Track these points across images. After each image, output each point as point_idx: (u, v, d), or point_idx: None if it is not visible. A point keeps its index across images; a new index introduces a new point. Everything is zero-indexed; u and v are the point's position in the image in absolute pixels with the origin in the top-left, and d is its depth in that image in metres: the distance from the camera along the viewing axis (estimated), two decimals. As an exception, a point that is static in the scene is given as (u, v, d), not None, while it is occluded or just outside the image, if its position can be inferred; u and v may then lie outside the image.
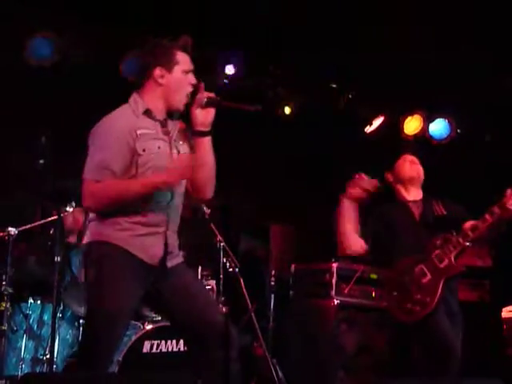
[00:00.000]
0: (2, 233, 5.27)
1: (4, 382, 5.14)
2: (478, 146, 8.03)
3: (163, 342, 5.43)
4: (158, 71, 4.02)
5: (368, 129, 7.93)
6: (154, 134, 3.98)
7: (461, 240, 4.99)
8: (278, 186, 7.85)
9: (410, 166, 5.38)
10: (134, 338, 5.38)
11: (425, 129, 7.96)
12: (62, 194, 5.33)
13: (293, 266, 7.07)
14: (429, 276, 5.06)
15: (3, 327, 5.12)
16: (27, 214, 5.63)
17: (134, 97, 4.09)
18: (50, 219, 5.49)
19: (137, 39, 6.60)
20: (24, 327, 5.55)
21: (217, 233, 6.05)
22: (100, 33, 6.64)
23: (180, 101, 4.04)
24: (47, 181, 5.17)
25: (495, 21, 6.31)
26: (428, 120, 7.97)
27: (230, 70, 7.20)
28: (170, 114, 4.10)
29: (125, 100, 6.73)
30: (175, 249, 4.08)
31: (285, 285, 6.97)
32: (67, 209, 5.45)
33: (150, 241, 3.94)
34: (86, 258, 4.02)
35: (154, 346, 5.42)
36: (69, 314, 5.73)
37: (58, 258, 5.11)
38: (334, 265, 6.80)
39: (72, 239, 6.13)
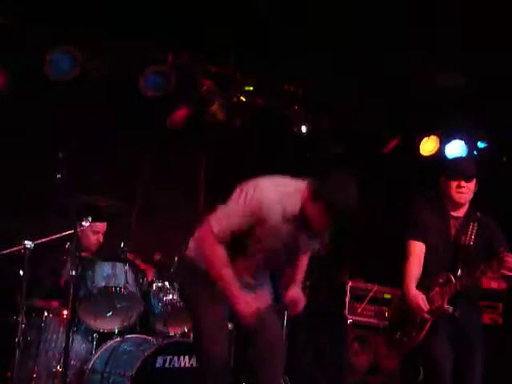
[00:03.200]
0: (18, 246, 5.31)
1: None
2: (495, 166, 8.01)
3: (176, 357, 5.44)
4: (307, 192, 4.14)
5: (385, 148, 7.94)
6: (284, 233, 4.20)
7: (457, 285, 5.06)
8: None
9: (456, 193, 5.34)
10: (147, 353, 5.40)
11: (441, 150, 7.95)
12: (78, 208, 5.37)
13: (307, 283, 7.08)
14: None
15: (17, 340, 5.14)
16: (43, 228, 5.66)
17: (295, 192, 4.19)
18: (66, 233, 5.52)
19: (155, 53, 6.72)
20: (38, 340, 5.58)
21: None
22: (119, 47, 6.67)
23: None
24: (64, 195, 5.21)
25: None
26: (444, 141, 7.96)
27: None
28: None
29: (142, 115, 6.85)
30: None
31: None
32: (83, 223, 5.48)
33: None
34: (181, 266, 4.72)
35: (167, 362, 5.43)
36: (83, 327, 5.74)
37: (73, 272, 5.15)
38: (349, 283, 6.81)
39: (87, 253, 6.18)
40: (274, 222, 4.13)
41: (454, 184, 5.23)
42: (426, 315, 5.04)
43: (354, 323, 6.71)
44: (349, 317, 6.70)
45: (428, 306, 5.07)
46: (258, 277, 4.39)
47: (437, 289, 5.09)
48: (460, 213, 5.33)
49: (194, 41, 6.66)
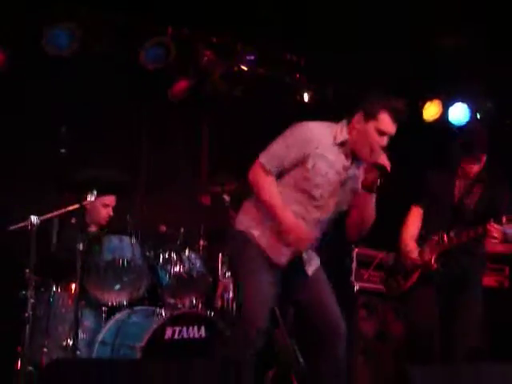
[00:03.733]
0: (24, 222, 5.32)
1: (30, 368, 5.21)
2: (499, 130, 7.98)
3: (184, 328, 5.48)
4: (357, 116, 4.26)
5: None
6: (332, 162, 4.24)
7: (447, 243, 5.34)
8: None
9: (471, 166, 5.46)
10: (155, 324, 5.44)
11: (444, 114, 7.92)
12: (83, 183, 5.38)
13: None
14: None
15: (27, 314, 5.17)
16: (49, 203, 5.68)
17: (343, 125, 4.32)
18: (71, 208, 5.53)
19: (155, 26, 6.70)
20: (47, 314, 5.62)
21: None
22: (119, 22, 6.65)
23: (362, 152, 4.27)
24: (69, 170, 5.22)
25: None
26: (447, 105, 7.93)
27: (250, 56, 7.25)
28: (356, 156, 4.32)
29: (143, 89, 6.83)
30: (312, 257, 4.50)
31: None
32: (89, 198, 5.49)
33: (281, 247, 4.31)
34: (232, 242, 4.49)
35: (176, 333, 5.47)
36: (91, 301, 5.77)
37: (80, 246, 5.17)
38: (355, 250, 6.83)
39: (93, 228, 6.20)
40: (322, 149, 4.21)
41: (470, 160, 5.39)
42: (414, 263, 5.26)
43: (360, 290, 6.74)
44: (355, 283, 6.72)
45: (418, 258, 5.30)
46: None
47: (429, 245, 5.31)
48: (469, 175, 5.45)
49: (194, 12, 6.63)
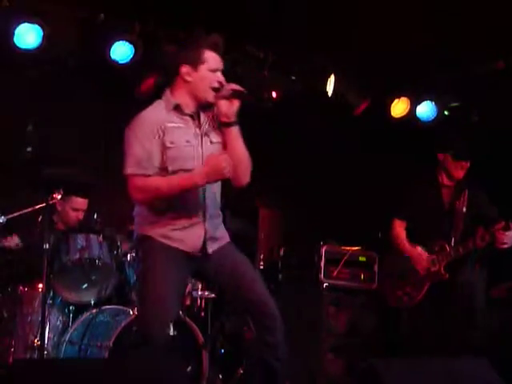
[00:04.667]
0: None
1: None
2: (465, 127, 8.05)
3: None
4: (184, 69, 4.20)
5: (356, 110, 7.93)
6: (184, 129, 4.21)
7: (452, 253, 5.36)
8: (267, 169, 7.87)
9: (458, 171, 5.55)
10: (123, 323, 5.42)
11: (412, 111, 7.96)
12: (50, 181, 5.35)
13: (281, 250, 7.11)
14: (421, 275, 5.60)
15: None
16: (15, 202, 5.64)
17: (166, 93, 4.30)
18: (37, 207, 5.50)
19: (122, 24, 6.66)
20: (14, 314, 5.57)
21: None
22: (87, 19, 6.60)
23: (204, 93, 4.21)
24: (35, 169, 5.17)
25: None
26: (415, 102, 7.97)
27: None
28: (203, 105, 4.27)
29: (109, 85, 6.79)
30: (216, 233, 4.31)
31: (274, 268, 7.00)
32: (55, 196, 5.45)
33: (189, 232, 4.20)
34: (136, 252, 4.44)
35: (144, 331, 5.45)
36: (58, 300, 5.75)
37: (46, 246, 5.13)
38: (323, 248, 6.84)
39: (61, 226, 6.16)
40: (168, 123, 4.14)
41: (459, 164, 5.45)
42: (425, 272, 5.34)
43: (329, 287, 6.75)
44: (324, 280, 6.73)
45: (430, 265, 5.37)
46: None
47: (434, 255, 5.35)
48: (453, 182, 5.52)
49: (161, 8, 6.60)
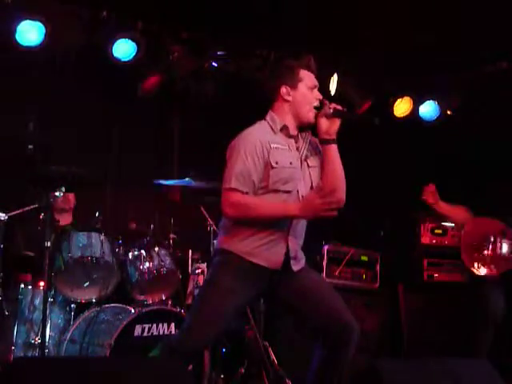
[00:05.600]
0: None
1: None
2: (468, 126, 8.03)
3: (154, 325, 5.46)
4: (283, 89, 4.30)
5: (358, 110, 7.92)
6: (287, 150, 4.27)
7: None
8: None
9: None
10: (125, 322, 5.41)
11: (415, 111, 7.96)
12: (51, 179, 5.34)
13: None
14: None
15: (-6, 312, 5.14)
16: (17, 200, 5.63)
17: (271, 114, 4.36)
18: (39, 205, 5.49)
19: (125, 21, 6.65)
20: (15, 312, 5.57)
21: (207, 216, 6.08)
22: (89, 16, 6.59)
23: (307, 113, 4.31)
24: (36, 166, 5.17)
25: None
26: (418, 102, 7.96)
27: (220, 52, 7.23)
28: (304, 126, 4.36)
29: (112, 83, 6.78)
30: (298, 253, 4.31)
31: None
32: (57, 194, 5.45)
33: (272, 248, 4.20)
34: (212, 261, 4.35)
35: (146, 330, 5.45)
36: (60, 298, 5.75)
37: (48, 243, 5.13)
38: (325, 247, 6.84)
39: (64, 221, 6.15)
40: (273, 143, 4.20)
41: None
42: None
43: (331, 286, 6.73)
44: (326, 280, 6.72)
45: None
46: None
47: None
48: None
49: (164, 7, 6.59)
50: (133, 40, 6.60)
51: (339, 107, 4.31)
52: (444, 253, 7.23)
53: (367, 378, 4.04)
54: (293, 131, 4.32)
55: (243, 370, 5.82)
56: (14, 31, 6.20)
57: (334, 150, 4.33)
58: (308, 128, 4.39)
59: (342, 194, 4.34)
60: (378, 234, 7.53)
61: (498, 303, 5.73)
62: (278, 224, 4.19)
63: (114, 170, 7.06)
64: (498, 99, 7.40)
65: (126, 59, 6.63)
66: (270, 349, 5.81)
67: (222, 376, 5.86)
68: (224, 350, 6.16)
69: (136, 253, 5.92)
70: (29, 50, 6.32)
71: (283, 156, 4.22)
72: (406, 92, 7.94)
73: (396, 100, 7.95)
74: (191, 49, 7.04)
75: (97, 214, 6.00)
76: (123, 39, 6.59)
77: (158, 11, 6.66)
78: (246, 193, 4.14)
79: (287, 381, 5.54)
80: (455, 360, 4.39)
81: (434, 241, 7.30)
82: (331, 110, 4.29)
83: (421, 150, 7.91)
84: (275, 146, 4.21)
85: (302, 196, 4.24)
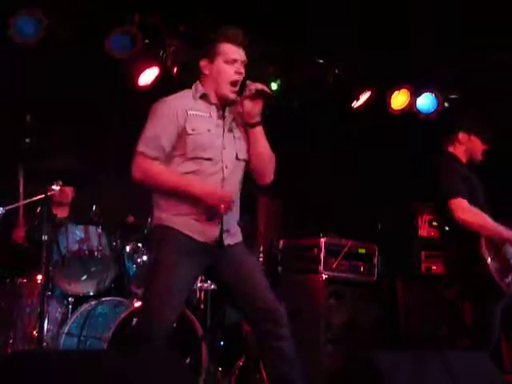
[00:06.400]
0: (-12, 212, 5.27)
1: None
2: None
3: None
4: (202, 62, 4.28)
5: (355, 104, 7.92)
6: (207, 117, 4.23)
7: None
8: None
9: (481, 155, 5.51)
10: (122, 315, 5.41)
11: (412, 103, 7.95)
12: (48, 172, 5.33)
13: (281, 242, 7.10)
14: None
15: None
16: (14, 194, 5.62)
17: (196, 84, 4.33)
18: (36, 198, 5.48)
19: (125, 15, 6.64)
20: (13, 305, 5.57)
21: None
22: (85, 9, 6.58)
23: (224, 88, 4.25)
24: (33, 160, 5.16)
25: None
26: (415, 94, 7.96)
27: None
28: (225, 100, 4.28)
29: (108, 76, 6.77)
30: (233, 228, 4.30)
31: (273, 260, 7.00)
32: (54, 187, 5.44)
33: (207, 224, 4.18)
34: (150, 240, 4.44)
35: (143, 323, 5.44)
36: (57, 292, 5.75)
37: (45, 237, 5.12)
38: (322, 240, 6.83)
39: (61, 213, 6.15)
40: (191, 110, 4.17)
41: (484, 147, 5.40)
42: None
43: (329, 279, 6.74)
44: (324, 272, 6.72)
45: None
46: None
47: None
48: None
49: (161, 0, 6.58)
50: (130, 33, 6.58)
51: (262, 87, 4.21)
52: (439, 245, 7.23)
53: (364, 371, 4.04)
54: (214, 99, 4.26)
55: (241, 363, 5.83)
56: (11, 24, 6.18)
57: (258, 132, 4.30)
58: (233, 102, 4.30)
59: (269, 175, 4.37)
60: (375, 226, 7.53)
61: None
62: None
63: (111, 163, 7.04)
64: (496, 91, 7.40)
65: (123, 52, 6.62)
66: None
67: (220, 369, 5.87)
68: (222, 343, 6.17)
69: (133, 246, 5.92)
70: (25, 42, 6.30)
71: (201, 122, 4.19)
72: (403, 84, 7.93)
73: (393, 92, 7.95)
74: (188, 42, 7.02)
75: (94, 208, 6.00)
76: (120, 33, 6.57)
77: (155, 4, 6.65)
78: (155, 158, 4.14)
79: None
80: (453, 353, 4.40)
81: (432, 233, 7.31)
82: (253, 91, 4.20)
83: (419, 143, 7.90)
84: (193, 112, 4.18)
85: (226, 166, 4.21)
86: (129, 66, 6.87)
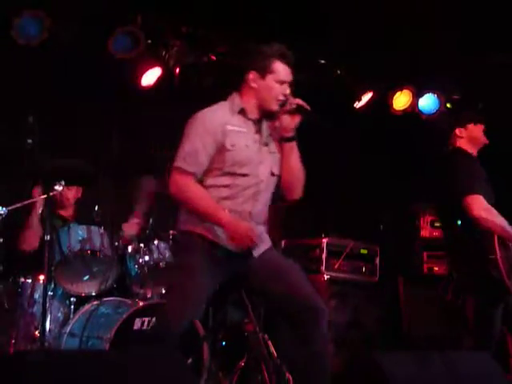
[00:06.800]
0: (-10, 212, 5.27)
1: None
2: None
3: (154, 319, 5.44)
4: (251, 75, 4.25)
5: (357, 104, 7.92)
6: (245, 133, 4.23)
7: None
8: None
9: (484, 136, 5.56)
10: (124, 315, 5.41)
11: (414, 104, 7.95)
12: (50, 173, 5.34)
13: (283, 242, 7.10)
14: None
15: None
16: (16, 194, 5.63)
17: (233, 95, 4.32)
18: (38, 198, 5.49)
19: (127, 16, 6.65)
20: (15, 306, 5.57)
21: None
22: (88, 10, 6.58)
23: (270, 105, 4.25)
24: (35, 160, 5.16)
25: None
26: (417, 95, 7.96)
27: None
28: (267, 114, 4.30)
29: (111, 77, 6.78)
30: (261, 238, 4.30)
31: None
32: (56, 188, 5.44)
33: None
34: (175, 245, 4.46)
35: (145, 323, 5.45)
36: (60, 292, 5.75)
37: (47, 237, 5.12)
38: (324, 240, 6.84)
39: (66, 213, 6.15)
40: (230, 125, 4.17)
41: (482, 127, 5.44)
42: None
43: (331, 279, 6.74)
44: (326, 273, 6.73)
45: None
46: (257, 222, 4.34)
47: None
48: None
49: (164, 1, 6.59)
50: (132, 34, 6.59)
51: (302, 103, 4.25)
52: (444, 245, 7.22)
53: (367, 371, 4.05)
54: (252, 115, 4.27)
55: (243, 364, 5.82)
56: (14, 25, 6.18)
57: (291, 147, 4.32)
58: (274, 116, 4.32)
59: (298, 191, 4.41)
60: (377, 226, 7.53)
61: None
62: (239, 208, 4.20)
63: (113, 163, 7.05)
64: (498, 91, 7.40)
65: (126, 53, 6.62)
66: (269, 342, 5.82)
67: (222, 369, 5.87)
68: (223, 343, 6.17)
69: (135, 246, 5.92)
70: (28, 43, 6.31)
71: (240, 138, 4.19)
72: (405, 85, 7.93)
73: (395, 93, 7.94)
74: (191, 43, 7.03)
75: (96, 208, 6.00)
76: (122, 33, 6.57)
77: (158, 4, 6.65)
78: (193, 173, 4.14)
79: (287, 374, 5.54)
80: (455, 352, 4.40)
81: (434, 233, 7.31)
82: (294, 106, 4.23)
83: (420, 143, 7.90)
84: (232, 128, 4.18)
85: (262, 181, 4.25)
86: (131, 67, 6.87)
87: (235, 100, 4.28)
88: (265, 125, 4.32)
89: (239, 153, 4.17)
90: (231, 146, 4.15)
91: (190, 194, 4.14)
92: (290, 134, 4.29)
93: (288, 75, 4.28)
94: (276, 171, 4.33)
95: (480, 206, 5.11)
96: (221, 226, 4.12)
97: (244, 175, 4.20)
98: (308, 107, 4.26)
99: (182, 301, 4.15)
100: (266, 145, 4.31)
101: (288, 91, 4.27)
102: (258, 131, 4.28)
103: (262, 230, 4.38)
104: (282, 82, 4.24)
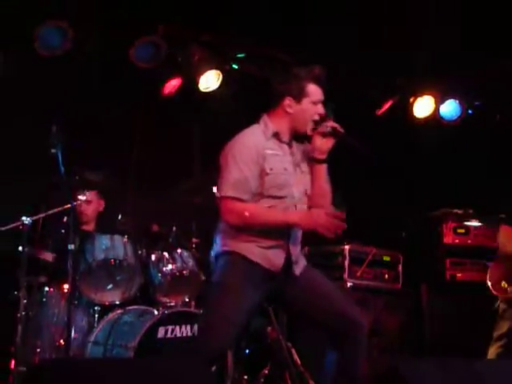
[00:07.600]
0: (16, 222, 5.31)
1: (23, 368, 5.19)
2: (489, 126, 7.99)
3: (177, 327, 5.48)
4: (287, 101, 4.27)
5: (379, 111, 7.90)
6: (281, 156, 4.27)
7: None
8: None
9: None
10: (148, 324, 5.43)
11: (436, 110, 7.92)
12: (74, 183, 5.38)
13: (305, 249, 7.10)
14: None
15: (19, 315, 5.16)
16: (40, 204, 5.67)
17: (265, 119, 4.35)
18: (62, 208, 5.53)
19: (149, 26, 6.69)
20: (40, 314, 5.62)
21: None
22: (110, 20, 6.63)
23: (305, 126, 4.30)
24: (59, 170, 5.20)
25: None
26: (439, 101, 7.93)
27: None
28: (299, 136, 4.36)
29: (134, 86, 6.81)
30: (299, 258, 4.36)
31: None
32: (80, 197, 5.49)
33: (273, 252, 4.23)
34: (214, 265, 4.33)
35: (169, 332, 5.47)
36: (84, 301, 5.78)
37: (71, 246, 5.16)
38: (347, 247, 6.84)
39: (87, 227, 6.20)
40: (267, 149, 4.20)
41: None
42: None
43: (353, 286, 6.74)
44: (348, 280, 6.72)
45: None
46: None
47: None
48: None
49: (185, 10, 6.62)
50: (154, 44, 6.63)
51: (337, 126, 4.27)
52: (467, 252, 7.21)
53: (389, 379, 4.03)
54: (285, 137, 4.31)
55: (266, 371, 5.83)
56: (38, 35, 6.24)
57: (323, 168, 4.35)
58: (304, 137, 4.37)
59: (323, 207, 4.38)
60: (400, 234, 7.51)
61: None
62: (276, 231, 4.22)
63: (136, 172, 7.08)
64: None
65: (148, 63, 6.67)
66: (293, 350, 5.82)
67: (246, 377, 5.88)
68: (247, 351, 6.17)
69: (159, 255, 5.95)
70: (51, 54, 6.36)
71: (277, 162, 4.23)
72: (426, 91, 7.91)
73: (416, 99, 7.92)
74: (212, 51, 7.06)
75: (119, 217, 6.04)
76: (144, 43, 6.62)
77: (179, 13, 6.69)
78: (245, 200, 4.16)
79: (310, 382, 5.55)
80: (480, 361, 4.37)
81: (457, 240, 7.27)
82: (329, 129, 4.25)
83: (443, 150, 7.88)
84: (269, 152, 4.22)
85: (298, 201, 4.28)
86: (154, 76, 6.90)
87: (268, 124, 4.31)
88: (295, 145, 4.37)
89: (278, 176, 4.21)
90: (270, 170, 4.19)
91: (252, 216, 4.16)
92: (323, 157, 4.32)
93: (320, 94, 4.31)
94: (308, 190, 4.37)
95: None
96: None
97: (281, 197, 4.23)
98: (342, 130, 4.27)
99: (223, 321, 4.15)
100: (298, 165, 4.35)
101: (322, 110, 4.29)
102: (292, 153, 4.33)
103: (298, 250, 4.39)
104: (316, 103, 4.28)
